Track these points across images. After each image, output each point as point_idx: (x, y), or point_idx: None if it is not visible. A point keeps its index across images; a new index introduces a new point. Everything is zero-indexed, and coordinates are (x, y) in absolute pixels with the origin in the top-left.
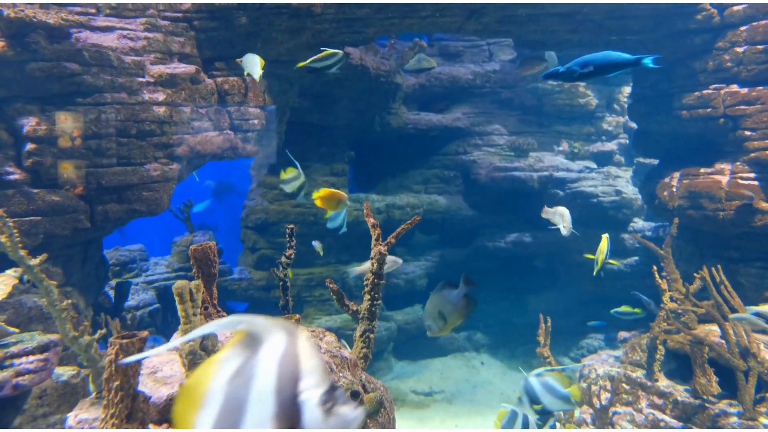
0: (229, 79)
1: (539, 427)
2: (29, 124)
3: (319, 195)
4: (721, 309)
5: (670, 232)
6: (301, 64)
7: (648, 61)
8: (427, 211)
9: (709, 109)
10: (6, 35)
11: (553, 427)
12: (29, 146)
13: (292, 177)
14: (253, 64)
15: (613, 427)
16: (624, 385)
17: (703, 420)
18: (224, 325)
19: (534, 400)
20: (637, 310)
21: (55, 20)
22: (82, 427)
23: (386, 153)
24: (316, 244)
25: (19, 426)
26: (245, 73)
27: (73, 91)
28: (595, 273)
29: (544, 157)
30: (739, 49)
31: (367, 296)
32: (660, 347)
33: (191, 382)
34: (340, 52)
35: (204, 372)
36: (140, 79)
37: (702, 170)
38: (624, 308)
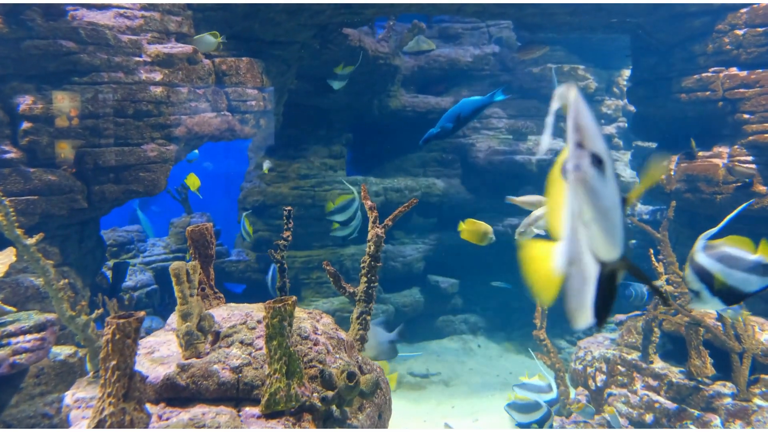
0: (227, 60)
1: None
2: (25, 102)
3: (465, 227)
4: None
5: (667, 215)
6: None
7: (499, 95)
8: (425, 194)
9: (708, 92)
10: (1, 12)
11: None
12: (25, 125)
13: (343, 206)
14: (207, 46)
15: (609, 406)
16: (619, 366)
17: (697, 401)
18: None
19: (708, 280)
20: None
21: None
22: (79, 406)
23: (384, 136)
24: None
25: (17, 405)
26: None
27: (69, 70)
28: None
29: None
30: (739, 32)
31: (364, 279)
32: (655, 329)
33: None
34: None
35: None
36: (137, 59)
37: (700, 153)
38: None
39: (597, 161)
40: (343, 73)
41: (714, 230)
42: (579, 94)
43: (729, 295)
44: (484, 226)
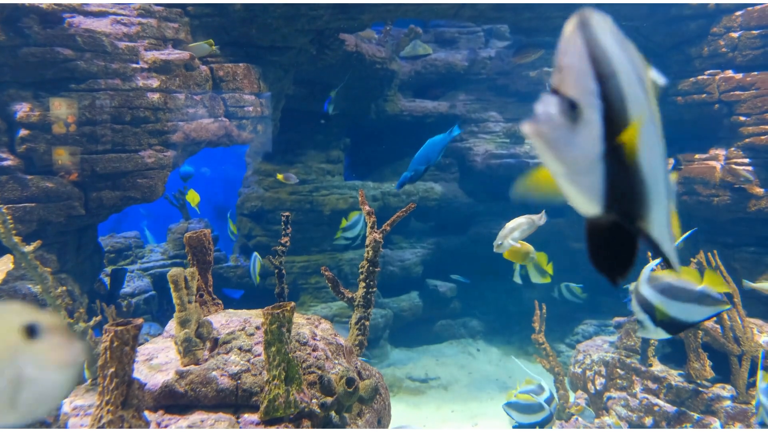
0: (224, 66)
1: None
2: (22, 110)
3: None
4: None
5: None
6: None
7: (456, 130)
8: (423, 199)
9: (704, 95)
10: None
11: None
12: (22, 132)
13: (356, 220)
14: (201, 51)
15: (607, 411)
16: (618, 370)
17: (697, 404)
18: None
19: (651, 311)
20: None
21: (48, 5)
22: (77, 414)
23: (382, 140)
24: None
25: None
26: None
27: (66, 77)
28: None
29: None
30: (734, 35)
31: (363, 284)
32: None
33: None
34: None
35: None
36: (134, 66)
37: (697, 156)
38: None
39: (571, 108)
40: (335, 96)
41: (656, 261)
42: (586, 26)
43: (671, 325)
44: (527, 247)
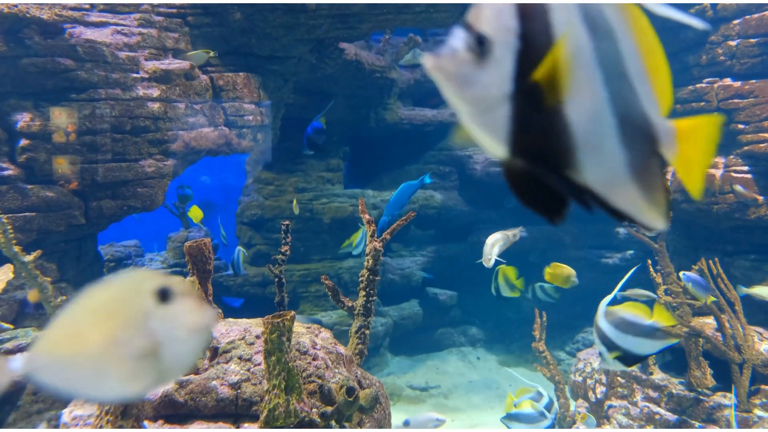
0: (224, 75)
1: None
2: (23, 119)
3: (549, 271)
4: (718, 301)
5: None
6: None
7: (427, 179)
8: (423, 207)
9: (702, 103)
10: None
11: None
12: (23, 142)
13: (359, 242)
14: (198, 59)
15: (608, 420)
16: (619, 378)
17: (698, 413)
18: None
19: (610, 345)
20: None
21: (49, 15)
22: (77, 424)
23: (382, 148)
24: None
25: (14, 422)
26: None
27: (67, 87)
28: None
29: None
30: (732, 43)
31: (363, 292)
32: None
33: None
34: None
35: None
36: (134, 75)
37: None
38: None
39: (479, 44)
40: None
41: (610, 296)
42: None
43: (625, 358)
44: (568, 270)
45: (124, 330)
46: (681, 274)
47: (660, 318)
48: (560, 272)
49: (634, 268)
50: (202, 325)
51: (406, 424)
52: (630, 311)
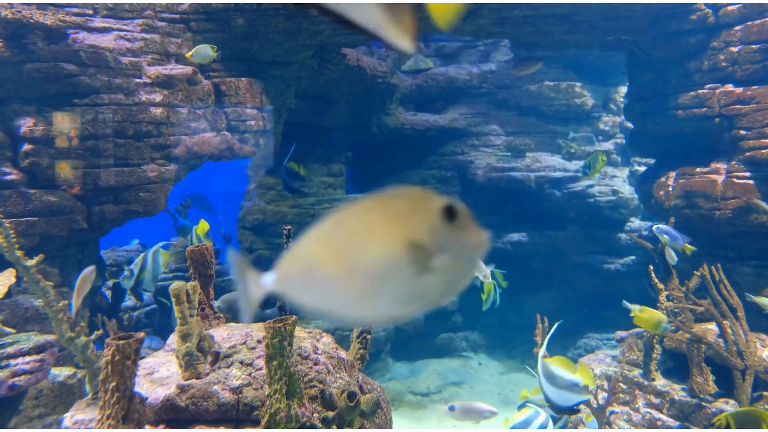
0: (227, 80)
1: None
2: (26, 124)
3: (640, 315)
4: (720, 307)
5: None
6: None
7: None
8: None
9: (704, 109)
10: (3, 36)
11: (565, 426)
12: (26, 147)
13: None
14: (203, 58)
15: (610, 426)
16: (621, 384)
17: (700, 419)
18: None
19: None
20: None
21: (53, 21)
22: (79, 428)
23: (383, 154)
24: None
25: (16, 426)
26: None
27: (70, 92)
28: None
29: (541, 158)
30: (734, 49)
31: None
32: (657, 346)
33: None
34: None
35: None
36: (137, 80)
37: (698, 170)
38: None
39: None
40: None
41: (544, 346)
42: None
43: (552, 406)
44: (659, 315)
45: (410, 244)
46: (654, 228)
47: (582, 375)
48: (650, 317)
49: (557, 324)
50: (483, 246)
51: (452, 409)
52: (559, 365)
